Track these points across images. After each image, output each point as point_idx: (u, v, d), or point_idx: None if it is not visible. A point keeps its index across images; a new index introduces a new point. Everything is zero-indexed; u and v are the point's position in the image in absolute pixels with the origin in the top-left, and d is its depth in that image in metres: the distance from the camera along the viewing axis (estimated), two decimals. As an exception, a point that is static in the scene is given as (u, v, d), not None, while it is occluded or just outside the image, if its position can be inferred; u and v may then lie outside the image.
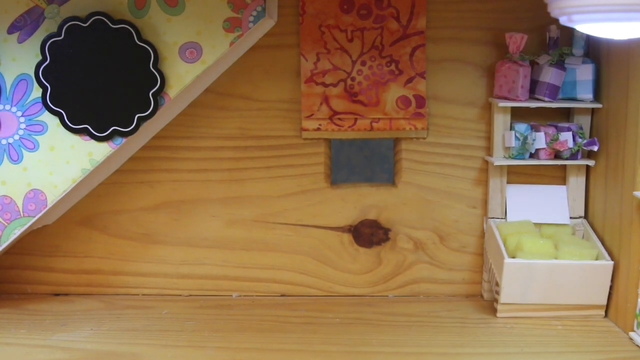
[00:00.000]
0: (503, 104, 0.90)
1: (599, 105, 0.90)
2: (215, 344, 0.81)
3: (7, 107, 0.85)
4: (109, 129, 0.85)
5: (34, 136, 0.85)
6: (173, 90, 0.85)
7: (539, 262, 0.85)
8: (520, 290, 0.86)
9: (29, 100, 0.85)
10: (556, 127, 0.91)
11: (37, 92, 0.85)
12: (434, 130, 0.95)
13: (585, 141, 0.90)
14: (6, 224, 0.86)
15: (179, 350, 0.80)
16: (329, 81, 0.93)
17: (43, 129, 0.85)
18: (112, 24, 0.83)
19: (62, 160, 0.86)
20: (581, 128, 0.91)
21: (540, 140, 0.90)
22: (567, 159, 0.91)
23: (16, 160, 0.86)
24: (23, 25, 0.84)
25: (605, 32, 0.67)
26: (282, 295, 0.97)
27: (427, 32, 0.93)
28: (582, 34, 0.89)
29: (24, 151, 0.85)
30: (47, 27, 0.84)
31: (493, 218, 0.94)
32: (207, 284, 0.98)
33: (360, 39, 0.93)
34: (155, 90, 0.84)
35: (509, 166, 0.93)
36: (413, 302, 0.95)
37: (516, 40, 0.89)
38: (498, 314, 0.88)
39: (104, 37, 0.83)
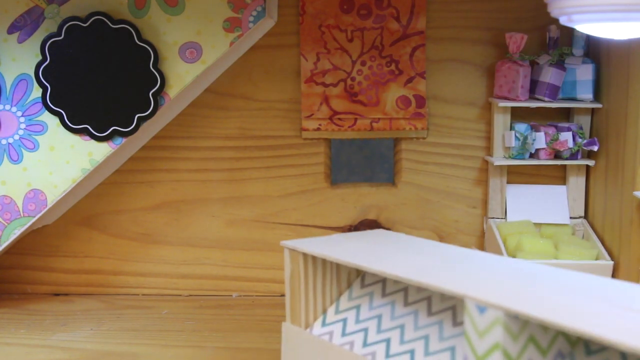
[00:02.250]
0: (503, 104, 0.90)
1: (599, 105, 0.90)
2: (215, 344, 0.81)
3: (7, 107, 0.85)
4: (109, 129, 0.85)
5: (34, 136, 0.85)
6: (173, 90, 0.85)
7: (539, 262, 0.85)
8: (520, 290, 0.86)
9: (29, 100, 0.85)
10: (556, 127, 0.91)
11: (37, 92, 0.85)
12: (434, 130, 0.95)
13: (585, 141, 0.90)
14: (6, 224, 0.86)
15: (179, 350, 0.80)
16: (329, 81, 0.93)
17: (43, 129, 0.85)
18: (112, 24, 0.83)
19: (62, 160, 0.86)
20: (581, 128, 0.91)
21: (540, 140, 0.90)
22: (567, 159, 0.91)
23: (16, 160, 0.86)
24: (23, 25, 0.84)
25: (605, 32, 0.67)
26: (282, 295, 0.97)
27: (427, 32, 0.93)
28: (582, 34, 0.89)
29: (24, 151, 0.86)
30: (47, 27, 0.84)
31: (493, 218, 0.94)
32: (207, 284, 0.98)
33: (360, 39, 0.93)
34: (155, 90, 0.84)
35: (509, 166, 0.93)
36: (413, 302, 0.95)
37: (516, 40, 0.89)
38: (498, 314, 0.88)
39: (104, 37, 0.83)
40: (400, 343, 0.62)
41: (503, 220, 0.93)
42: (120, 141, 0.86)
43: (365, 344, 0.64)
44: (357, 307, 0.68)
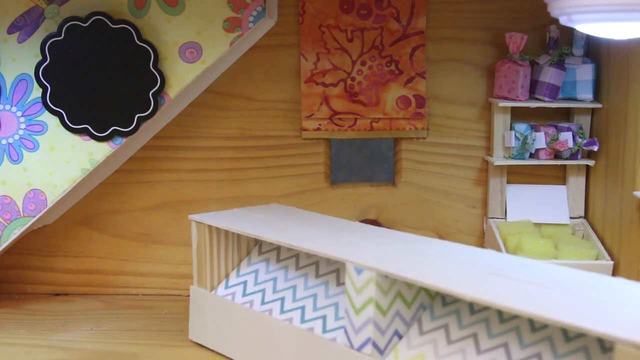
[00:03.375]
0: (503, 104, 0.90)
1: (599, 105, 0.90)
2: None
3: (7, 107, 0.85)
4: (109, 129, 0.85)
5: (34, 136, 0.85)
6: (173, 90, 0.85)
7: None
8: (520, 290, 0.86)
9: (29, 100, 0.85)
10: (556, 127, 0.91)
11: (37, 92, 0.85)
12: (434, 130, 0.95)
13: (585, 141, 0.90)
14: (6, 224, 0.86)
15: (179, 350, 0.80)
16: (329, 81, 0.93)
17: (43, 129, 0.85)
18: (112, 24, 0.83)
19: (62, 160, 0.86)
20: (581, 128, 0.91)
21: (540, 140, 0.90)
22: (567, 159, 0.91)
23: (16, 160, 0.86)
24: (23, 25, 0.84)
25: (605, 32, 0.67)
26: (282, 295, 0.97)
27: (427, 32, 0.93)
28: (582, 34, 0.89)
29: (24, 151, 0.86)
30: (47, 27, 0.84)
31: (493, 218, 0.94)
32: (207, 284, 0.98)
33: (360, 39, 0.93)
34: (155, 90, 0.84)
35: (509, 166, 0.93)
36: (413, 302, 0.95)
37: (516, 40, 0.89)
38: (498, 314, 0.88)
39: (104, 37, 0.83)
40: (293, 301, 0.73)
41: (503, 220, 0.93)
42: (120, 141, 0.86)
43: (263, 302, 0.75)
44: (256, 272, 0.78)
